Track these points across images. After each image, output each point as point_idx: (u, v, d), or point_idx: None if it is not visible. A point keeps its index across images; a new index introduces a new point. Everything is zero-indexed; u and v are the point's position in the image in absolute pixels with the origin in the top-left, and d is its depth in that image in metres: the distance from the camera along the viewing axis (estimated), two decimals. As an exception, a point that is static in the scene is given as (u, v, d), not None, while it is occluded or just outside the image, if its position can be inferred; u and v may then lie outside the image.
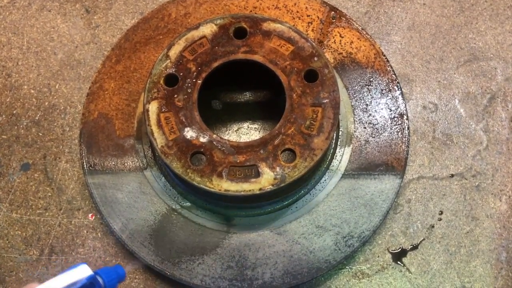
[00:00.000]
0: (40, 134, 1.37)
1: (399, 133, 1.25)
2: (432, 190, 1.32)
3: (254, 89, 1.36)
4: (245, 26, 1.18)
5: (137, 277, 1.25)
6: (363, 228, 1.19)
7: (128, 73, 1.30)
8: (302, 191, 1.20)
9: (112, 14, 1.48)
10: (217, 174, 1.07)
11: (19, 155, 1.35)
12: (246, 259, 1.17)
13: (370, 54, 1.30)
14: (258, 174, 1.07)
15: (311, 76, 1.13)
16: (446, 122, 1.38)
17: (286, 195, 1.18)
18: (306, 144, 1.09)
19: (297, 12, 1.33)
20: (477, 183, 1.33)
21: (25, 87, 1.42)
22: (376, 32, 1.46)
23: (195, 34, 1.17)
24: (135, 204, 1.21)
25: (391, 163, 1.23)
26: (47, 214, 1.31)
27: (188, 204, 1.20)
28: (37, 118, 1.39)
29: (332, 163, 1.23)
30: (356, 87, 1.28)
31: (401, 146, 1.24)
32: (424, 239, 1.28)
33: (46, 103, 1.40)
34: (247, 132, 1.36)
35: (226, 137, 1.20)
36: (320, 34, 1.32)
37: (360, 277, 1.25)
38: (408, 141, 1.25)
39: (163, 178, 1.22)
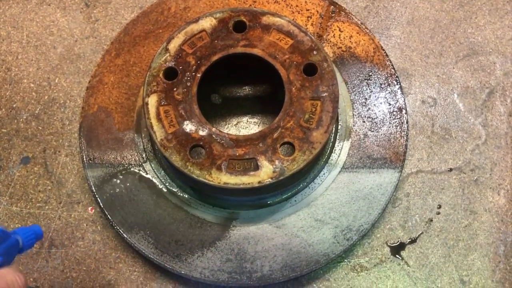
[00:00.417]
0: (40, 128, 1.37)
1: (398, 127, 1.25)
2: (430, 184, 1.32)
3: (254, 83, 1.37)
4: (244, 19, 1.18)
5: (136, 269, 1.26)
6: (362, 221, 1.19)
7: (128, 67, 1.30)
8: (301, 185, 1.20)
9: (112, 8, 1.48)
10: (216, 167, 1.07)
11: (19, 149, 1.36)
12: (245, 252, 1.17)
13: (370, 48, 1.30)
14: (257, 167, 1.07)
15: (310, 69, 1.13)
16: (445, 117, 1.38)
17: (285, 188, 1.18)
18: (305, 137, 1.09)
19: (297, 6, 1.33)
20: (475, 177, 1.33)
21: (25, 81, 1.42)
22: (375, 26, 1.46)
23: (194, 27, 1.17)
24: (135, 198, 1.21)
25: (389, 157, 1.23)
26: (47, 207, 1.31)
27: (187, 197, 1.21)
28: (37, 112, 1.39)
29: (331, 157, 1.23)
30: (355, 81, 1.28)
31: (400, 140, 1.24)
32: (422, 233, 1.29)
33: (46, 97, 1.40)
34: (246, 126, 1.36)
35: (225, 131, 1.20)
36: (320, 28, 1.32)
37: (358, 270, 1.26)
38: (407, 135, 1.25)
39: (163, 171, 1.22)
